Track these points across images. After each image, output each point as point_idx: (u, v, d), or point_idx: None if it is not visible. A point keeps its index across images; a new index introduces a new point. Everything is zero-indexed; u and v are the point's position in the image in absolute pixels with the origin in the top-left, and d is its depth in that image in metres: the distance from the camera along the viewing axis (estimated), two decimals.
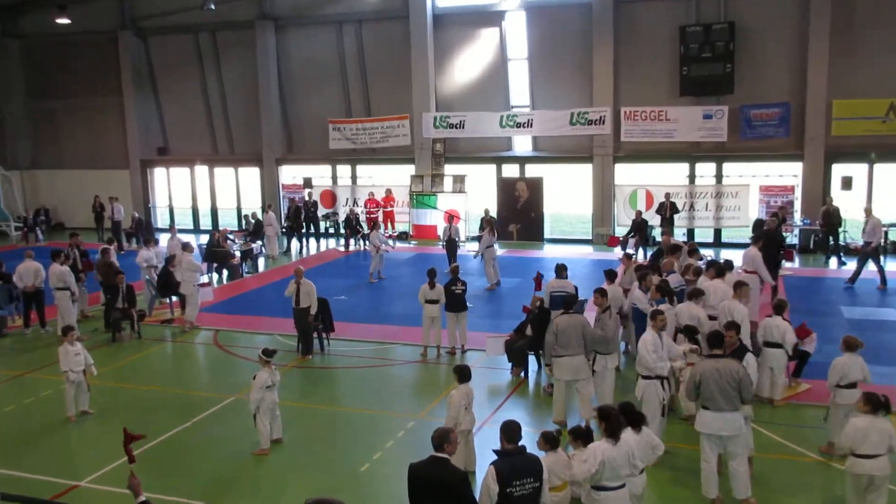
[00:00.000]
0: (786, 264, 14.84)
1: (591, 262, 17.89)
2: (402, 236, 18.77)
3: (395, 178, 23.27)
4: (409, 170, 22.23)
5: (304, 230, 20.61)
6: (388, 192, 21.63)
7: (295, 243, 20.88)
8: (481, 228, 16.56)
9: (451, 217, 17.95)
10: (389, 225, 20.74)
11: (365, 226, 21.08)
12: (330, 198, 23.07)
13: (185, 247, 13.47)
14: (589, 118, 19.54)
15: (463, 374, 7.03)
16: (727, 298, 9.07)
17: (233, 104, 24.18)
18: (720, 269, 9.92)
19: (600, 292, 8.65)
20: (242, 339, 12.41)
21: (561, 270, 10.82)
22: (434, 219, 21.36)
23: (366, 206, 21.55)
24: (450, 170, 21.81)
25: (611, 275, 10.26)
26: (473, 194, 21.74)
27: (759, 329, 8.88)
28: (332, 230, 22.73)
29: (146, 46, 24.66)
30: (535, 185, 20.91)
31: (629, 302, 9.96)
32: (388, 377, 10.49)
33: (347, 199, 22.89)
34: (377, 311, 13.84)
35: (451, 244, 17.04)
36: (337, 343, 11.81)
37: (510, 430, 4.88)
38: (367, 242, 20.37)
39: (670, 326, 8.42)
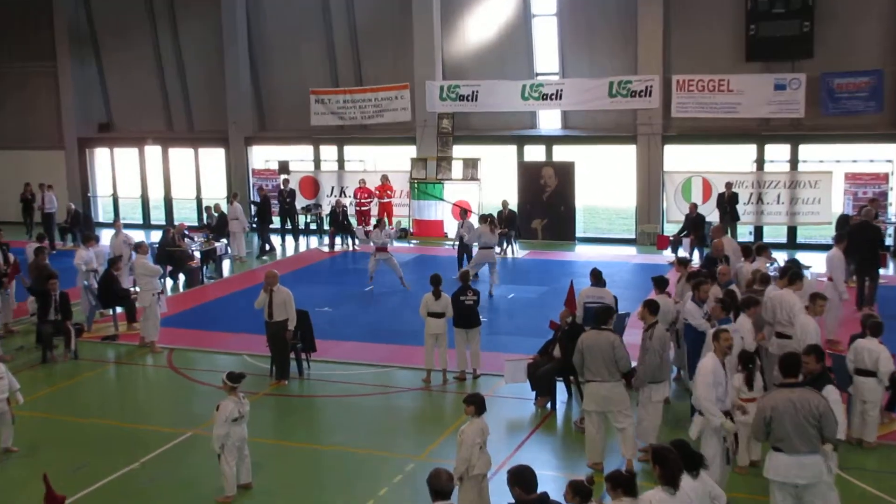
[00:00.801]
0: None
1: (634, 268, 17.87)
2: (402, 234, 18.81)
3: (392, 162, 23.31)
4: (410, 152, 22.24)
5: (266, 225, 20.66)
6: (384, 179, 21.67)
7: (278, 242, 21.02)
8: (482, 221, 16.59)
9: (464, 212, 17.98)
10: (385, 219, 20.75)
11: (354, 220, 21.16)
12: (311, 186, 23.13)
13: (138, 247, 13.46)
14: (632, 89, 19.51)
15: (476, 406, 7.05)
16: (800, 312, 9.05)
17: (192, 71, 24.30)
18: (795, 276, 9.87)
19: (648, 306, 8.61)
20: (203, 361, 12.44)
21: (597, 277, 10.82)
22: (440, 212, 21.40)
23: (356, 197, 21.59)
24: (459, 152, 21.80)
25: (660, 283, 10.23)
26: (489, 182, 21.74)
27: (848, 353, 8.86)
28: (313, 226, 22.78)
29: (86, 2, 24.78)
30: (566, 172, 20.89)
31: (682, 317, 9.92)
32: (382, 408, 10.50)
33: (333, 188, 22.93)
34: (369, 327, 13.85)
35: (465, 245, 17.11)
36: (319, 365, 11.83)
37: (522, 477, 4.83)
38: (356, 241, 20.50)
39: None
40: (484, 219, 16.43)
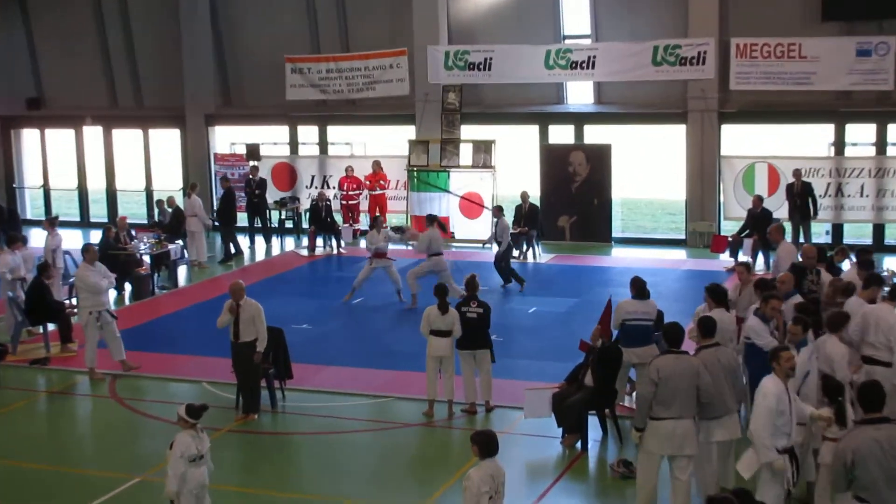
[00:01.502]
0: None
1: (684, 275, 17.86)
2: (398, 232, 18.81)
3: (386, 145, 23.27)
4: (408, 133, 22.22)
5: (232, 224, 20.66)
6: (376, 166, 21.64)
7: (246, 244, 20.95)
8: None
9: (499, 209, 17.98)
10: (380, 216, 20.78)
11: (340, 217, 21.13)
12: (287, 175, 23.15)
13: (85, 251, 13.32)
14: (682, 55, 19.47)
15: (486, 446, 7.07)
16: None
17: (142, 39, 24.32)
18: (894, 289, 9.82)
19: (703, 324, 8.56)
20: (154, 390, 12.43)
21: (640, 288, 10.79)
22: (445, 207, 21.37)
23: (341, 188, 21.59)
24: (469, 133, 21.77)
25: (717, 294, 10.18)
26: (505, 171, 21.72)
27: None
28: (289, 224, 22.79)
29: None
30: (600, 157, 20.86)
31: (743, 336, 9.89)
32: (374, 448, 10.49)
33: (313, 178, 22.96)
34: (358, 348, 13.85)
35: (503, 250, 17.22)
36: (297, 395, 11.81)
37: None
38: (341, 242, 20.49)
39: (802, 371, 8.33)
40: (431, 220, 16.47)
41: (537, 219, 19.72)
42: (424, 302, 13.42)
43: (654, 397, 8.04)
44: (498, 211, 17.95)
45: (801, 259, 12.27)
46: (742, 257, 16.68)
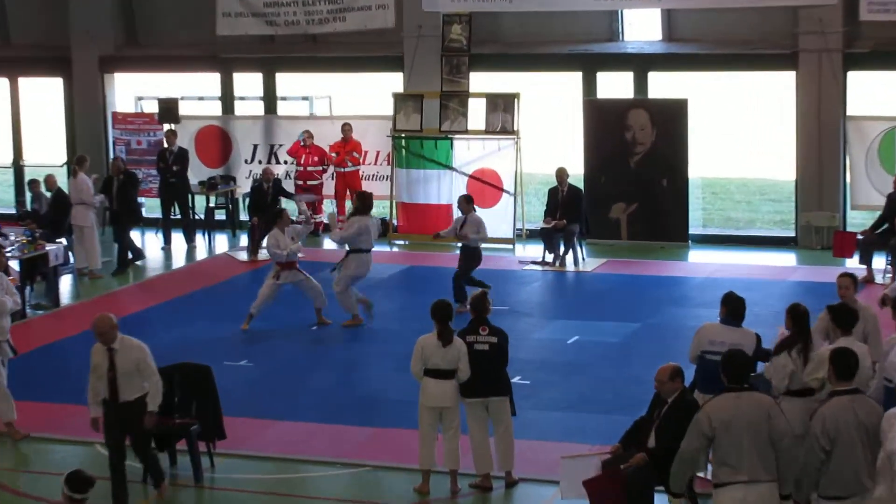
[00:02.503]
0: None
1: (792, 290, 17.82)
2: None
3: (361, 102, 23.26)
4: (393, 83, 22.29)
5: (132, 215, 20.61)
6: (346, 131, 21.70)
7: (156, 242, 21.02)
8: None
9: (467, 200, 17.82)
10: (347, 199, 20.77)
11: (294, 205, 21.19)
12: (217, 145, 23.32)
13: None
14: None
15: None
16: None
17: None
18: None
19: (839, 361, 8.37)
20: (26, 453, 12.41)
21: (734, 308, 10.80)
22: (447, 191, 21.43)
23: (297, 162, 21.66)
24: (482, 83, 21.77)
25: (845, 318, 10.23)
26: (533, 138, 21.77)
27: None
28: (221, 215, 22.91)
29: None
30: (671, 119, 20.91)
31: (879, 377, 9.90)
32: None
33: (256, 149, 23.03)
34: (323, 394, 13.84)
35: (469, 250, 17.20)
36: (233, 463, 11.79)
37: None
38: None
39: None
40: (363, 201, 16.72)
41: (580, 208, 19.67)
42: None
43: (715, 455, 8.16)
44: (465, 202, 17.75)
45: None
46: (878, 263, 16.64)
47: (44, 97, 24.84)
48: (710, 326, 10.87)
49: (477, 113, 21.53)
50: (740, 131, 26.53)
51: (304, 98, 23.68)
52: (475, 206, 17.75)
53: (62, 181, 20.61)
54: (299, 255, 16.91)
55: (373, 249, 16.59)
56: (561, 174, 19.70)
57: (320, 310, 16.60)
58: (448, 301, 11.44)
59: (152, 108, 23.45)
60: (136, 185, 20.80)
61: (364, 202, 16.88)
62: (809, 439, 8.19)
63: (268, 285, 16.50)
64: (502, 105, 21.36)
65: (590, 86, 21.76)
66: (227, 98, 23.87)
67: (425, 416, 11.02)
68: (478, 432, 11.12)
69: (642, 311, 16.76)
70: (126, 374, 10.69)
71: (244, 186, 22.43)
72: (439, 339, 10.89)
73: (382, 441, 12.31)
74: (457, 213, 20.64)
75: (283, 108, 23.56)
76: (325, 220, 19.58)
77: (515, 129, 21.24)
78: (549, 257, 19.18)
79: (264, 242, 16.82)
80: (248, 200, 21.69)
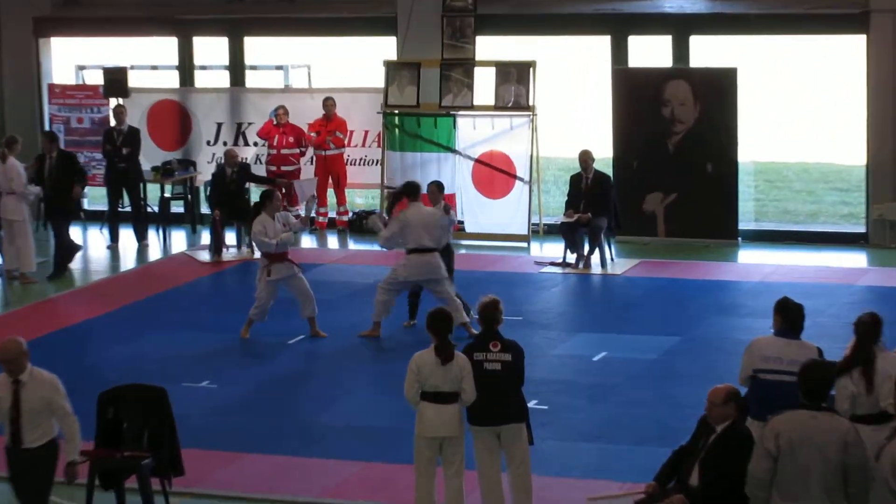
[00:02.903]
0: None
1: (863, 293, 17.94)
2: (362, 220, 18.72)
3: (346, 72, 23.23)
4: (385, 50, 22.50)
5: (68, 206, 20.62)
6: (328, 107, 21.85)
7: (101, 239, 21.04)
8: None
9: (438, 187, 17.67)
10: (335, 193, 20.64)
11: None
12: (174, 123, 23.51)
13: None
14: None
15: None
16: None
17: None
18: None
19: None
20: None
21: (792, 317, 10.69)
22: (448, 177, 21.47)
23: (269, 144, 21.77)
24: (490, 49, 21.97)
25: None
26: (551, 116, 21.81)
27: None
28: (179, 207, 23.16)
29: None
30: (717, 92, 21.10)
31: None
32: None
33: (220, 128, 23.24)
34: (302, 422, 13.93)
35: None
36: (193, 503, 11.91)
37: None
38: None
39: None
40: (410, 192, 16.80)
41: (608, 199, 19.73)
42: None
43: (776, 485, 8.37)
44: (437, 190, 17.42)
45: None
46: None
47: None
48: (763, 340, 10.82)
49: (485, 85, 21.71)
50: (800, 107, 26.86)
51: (278, 67, 23.86)
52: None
53: None
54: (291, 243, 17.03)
55: (435, 249, 16.36)
56: (585, 158, 19.63)
57: (313, 319, 16.59)
58: (446, 311, 11.39)
59: (96, 79, 23.63)
60: (74, 164, 20.76)
61: (407, 188, 16.93)
62: (878, 481, 8.27)
63: (263, 285, 16.59)
64: (515, 75, 21.55)
65: (620, 52, 21.91)
66: (186, 67, 24.03)
67: (422, 448, 10.92)
68: (487, 467, 11.02)
69: (682, 322, 16.82)
70: (31, 414, 10.34)
71: (206, 173, 22.49)
72: (437, 355, 10.78)
73: (371, 478, 12.31)
74: (465, 202, 20.95)
75: (252, 80, 23.79)
76: (302, 208, 19.42)
77: (531, 104, 21.43)
78: (572, 258, 19.27)
79: (253, 229, 16.72)
80: (209, 190, 21.69)
